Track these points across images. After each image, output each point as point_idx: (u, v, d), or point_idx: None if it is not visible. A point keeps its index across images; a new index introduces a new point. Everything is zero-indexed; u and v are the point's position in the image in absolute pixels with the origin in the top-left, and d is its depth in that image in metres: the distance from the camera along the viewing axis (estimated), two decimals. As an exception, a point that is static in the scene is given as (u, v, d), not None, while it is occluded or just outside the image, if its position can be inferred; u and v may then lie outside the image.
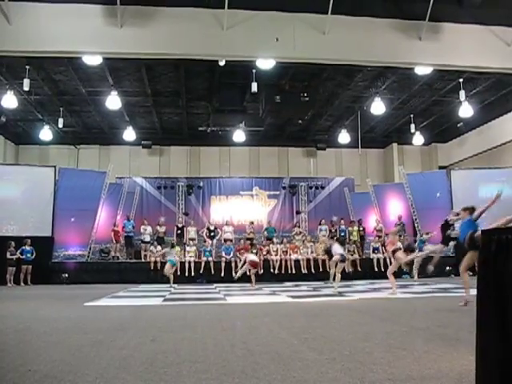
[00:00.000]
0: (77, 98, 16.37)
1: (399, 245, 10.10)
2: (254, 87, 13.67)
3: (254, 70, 13.33)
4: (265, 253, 15.64)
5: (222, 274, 14.79)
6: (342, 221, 17.90)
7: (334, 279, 10.76)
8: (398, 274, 12.09)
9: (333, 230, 17.50)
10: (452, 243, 11.77)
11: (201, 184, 20.01)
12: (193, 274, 14.89)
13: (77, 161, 20.54)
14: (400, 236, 16.09)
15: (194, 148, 21.28)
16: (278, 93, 14.40)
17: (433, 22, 10.66)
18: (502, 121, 17.91)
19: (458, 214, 7.82)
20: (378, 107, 15.96)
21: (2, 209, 14.56)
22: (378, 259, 15.37)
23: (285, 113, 16.27)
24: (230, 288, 11.76)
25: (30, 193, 15.11)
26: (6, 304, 8.06)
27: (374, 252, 15.80)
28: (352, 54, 10.86)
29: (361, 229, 17.70)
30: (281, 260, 15.45)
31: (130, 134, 19.12)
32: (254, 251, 15.18)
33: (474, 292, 2.29)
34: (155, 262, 14.82)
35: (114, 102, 15.15)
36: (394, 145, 21.82)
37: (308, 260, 15.55)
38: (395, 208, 18.03)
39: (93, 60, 12.06)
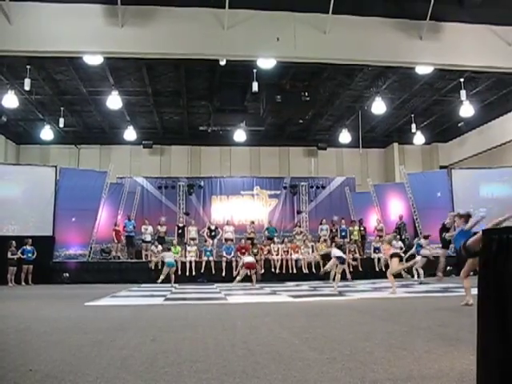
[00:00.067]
0: (78, 97, 16.38)
1: (394, 249, 10.10)
2: (255, 87, 13.67)
3: (254, 70, 13.34)
4: (266, 252, 15.64)
5: (223, 274, 14.80)
6: (343, 220, 17.90)
7: (333, 279, 10.78)
8: (399, 274, 12.06)
9: (333, 230, 17.51)
10: (452, 245, 11.74)
11: (202, 184, 20.01)
12: (194, 273, 14.90)
13: (78, 160, 20.55)
14: (401, 236, 16.16)
15: (195, 148, 21.28)
16: (278, 92, 14.39)
17: (433, 22, 10.67)
18: (503, 120, 17.90)
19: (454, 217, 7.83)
20: (378, 107, 15.97)
21: (3, 208, 14.57)
22: (379, 259, 15.35)
23: (285, 112, 16.28)
24: (231, 288, 11.76)
25: (30, 192, 15.12)
26: (7, 304, 8.06)
27: (374, 252, 15.79)
28: (353, 54, 10.86)
29: (362, 228, 17.69)
30: (282, 260, 15.45)
31: (130, 134, 19.13)
32: (255, 251, 15.23)
33: (474, 292, 2.29)
34: (156, 262, 14.81)
35: (114, 101, 15.17)
36: (395, 144, 21.81)
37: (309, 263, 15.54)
38: (396, 208, 18.03)
39: (93, 60, 12.08)
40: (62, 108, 17.07)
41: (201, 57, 11.21)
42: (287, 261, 15.45)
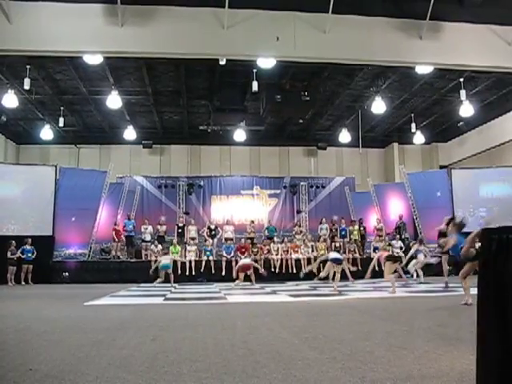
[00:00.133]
0: (77, 97, 16.38)
1: (388, 253, 10.14)
2: (255, 86, 13.67)
3: (254, 69, 13.34)
4: (265, 252, 15.64)
5: (223, 274, 14.79)
6: (343, 220, 17.91)
7: (333, 279, 10.77)
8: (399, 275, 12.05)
9: (333, 230, 17.51)
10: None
11: (201, 183, 20.01)
12: (193, 273, 14.89)
13: (77, 160, 20.54)
14: (401, 235, 16.17)
15: (195, 147, 21.28)
16: (278, 92, 14.40)
17: (433, 21, 10.67)
18: (503, 120, 17.91)
19: (448, 223, 7.70)
20: (378, 106, 15.97)
21: (2, 208, 14.56)
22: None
23: (285, 112, 16.29)
24: (231, 287, 11.76)
25: (30, 192, 15.12)
26: (7, 303, 8.06)
27: (374, 251, 15.77)
28: (353, 53, 10.86)
29: (361, 228, 17.70)
30: (281, 259, 15.45)
31: (130, 134, 19.13)
32: (255, 250, 15.23)
33: (474, 292, 2.29)
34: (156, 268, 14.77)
35: (114, 101, 15.16)
36: (395, 144, 21.81)
37: (309, 259, 15.53)
38: (396, 207, 18.04)
39: (93, 59, 12.06)
40: (61, 108, 17.07)
41: (201, 56, 11.21)
42: (287, 260, 15.46)
